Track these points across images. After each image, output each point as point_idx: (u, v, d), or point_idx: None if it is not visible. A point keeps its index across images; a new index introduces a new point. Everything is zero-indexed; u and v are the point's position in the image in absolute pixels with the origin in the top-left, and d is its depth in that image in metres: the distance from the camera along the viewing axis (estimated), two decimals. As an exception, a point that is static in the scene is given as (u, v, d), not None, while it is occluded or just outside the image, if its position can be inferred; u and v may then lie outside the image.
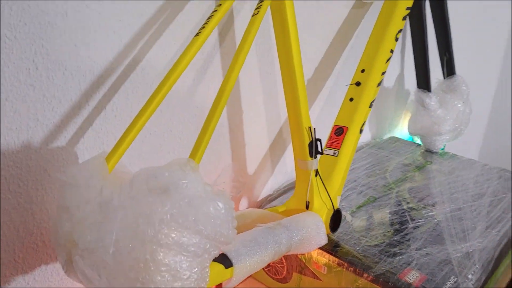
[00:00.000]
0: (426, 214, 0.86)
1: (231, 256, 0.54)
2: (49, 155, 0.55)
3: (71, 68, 0.54)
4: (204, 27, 0.57)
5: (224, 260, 0.54)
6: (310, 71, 0.91)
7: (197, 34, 0.56)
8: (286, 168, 0.94)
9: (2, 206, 0.53)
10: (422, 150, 1.16)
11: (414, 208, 0.88)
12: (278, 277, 0.83)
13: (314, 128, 0.71)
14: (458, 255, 0.75)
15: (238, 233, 0.53)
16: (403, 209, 0.88)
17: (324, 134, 0.71)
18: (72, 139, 0.57)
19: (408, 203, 0.91)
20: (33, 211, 0.56)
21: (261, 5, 0.58)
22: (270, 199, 0.91)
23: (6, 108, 0.50)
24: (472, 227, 0.82)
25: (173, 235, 0.42)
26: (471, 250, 0.76)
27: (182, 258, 0.43)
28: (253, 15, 0.58)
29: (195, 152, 0.49)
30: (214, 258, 0.47)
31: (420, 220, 0.84)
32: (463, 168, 1.06)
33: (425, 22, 1.01)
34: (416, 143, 1.21)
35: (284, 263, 0.81)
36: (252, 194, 0.88)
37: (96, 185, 0.49)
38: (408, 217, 0.85)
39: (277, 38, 0.67)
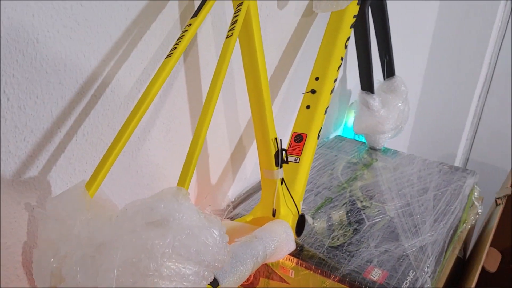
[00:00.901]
0: (379, 212, 0.92)
1: (217, 276, 0.55)
2: (22, 187, 0.52)
3: (43, 96, 0.52)
4: (175, 47, 0.57)
5: (212, 281, 0.54)
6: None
7: (168, 56, 0.56)
8: (246, 175, 0.96)
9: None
10: (367, 148, 1.22)
11: (367, 206, 0.94)
12: (245, 283, 0.85)
13: (280, 140, 0.73)
14: (413, 249, 0.80)
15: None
16: (358, 208, 0.93)
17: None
18: (45, 168, 0.54)
19: (361, 201, 0.96)
20: (7, 245, 0.53)
21: (234, 27, 0.58)
22: (232, 206, 0.92)
23: (-23, 142, 0.48)
24: (422, 221, 0.89)
25: (174, 267, 0.42)
26: (424, 244, 0.82)
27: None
28: (227, 37, 0.58)
29: (183, 179, 0.49)
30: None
31: (375, 218, 0.89)
32: (406, 164, 1.13)
33: (369, 28, 1.06)
34: (360, 141, 1.27)
35: (251, 269, 0.83)
36: (216, 203, 0.89)
37: (81, 216, 0.48)
38: (364, 216, 0.90)
39: (243, 53, 0.68)
